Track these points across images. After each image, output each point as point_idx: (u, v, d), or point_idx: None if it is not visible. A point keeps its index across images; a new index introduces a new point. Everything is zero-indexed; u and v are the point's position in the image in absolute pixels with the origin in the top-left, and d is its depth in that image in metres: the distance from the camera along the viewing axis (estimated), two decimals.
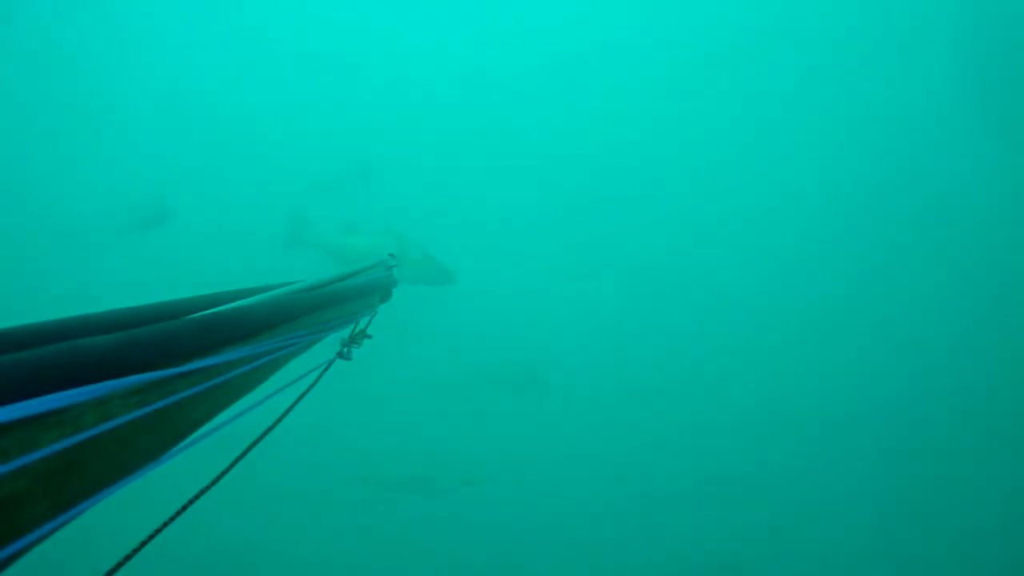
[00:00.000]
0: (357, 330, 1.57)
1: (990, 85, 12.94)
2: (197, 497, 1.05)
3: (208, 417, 0.89)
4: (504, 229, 14.95)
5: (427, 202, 14.35)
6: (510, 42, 17.30)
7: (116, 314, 0.87)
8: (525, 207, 15.11)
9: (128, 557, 0.89)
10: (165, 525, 1.01)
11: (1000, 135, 13.16)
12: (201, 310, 0.93)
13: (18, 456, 0.52)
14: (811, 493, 10.72)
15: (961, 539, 9.78)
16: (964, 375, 11.84)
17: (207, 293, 1.09)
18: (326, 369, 1.40)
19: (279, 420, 1.21)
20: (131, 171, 14.05)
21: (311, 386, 1.31)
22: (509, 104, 16.66)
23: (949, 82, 13.81)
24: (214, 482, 1.10)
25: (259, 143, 15.35)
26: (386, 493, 10.09)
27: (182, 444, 0.81)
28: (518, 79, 16.92)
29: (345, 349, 1.48)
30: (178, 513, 1.02)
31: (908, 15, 14.76)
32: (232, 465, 1.14)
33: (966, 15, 13.35)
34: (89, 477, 0.63)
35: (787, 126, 15.46)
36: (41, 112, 14.51)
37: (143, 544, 0.94)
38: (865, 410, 11.84)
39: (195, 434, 0.85)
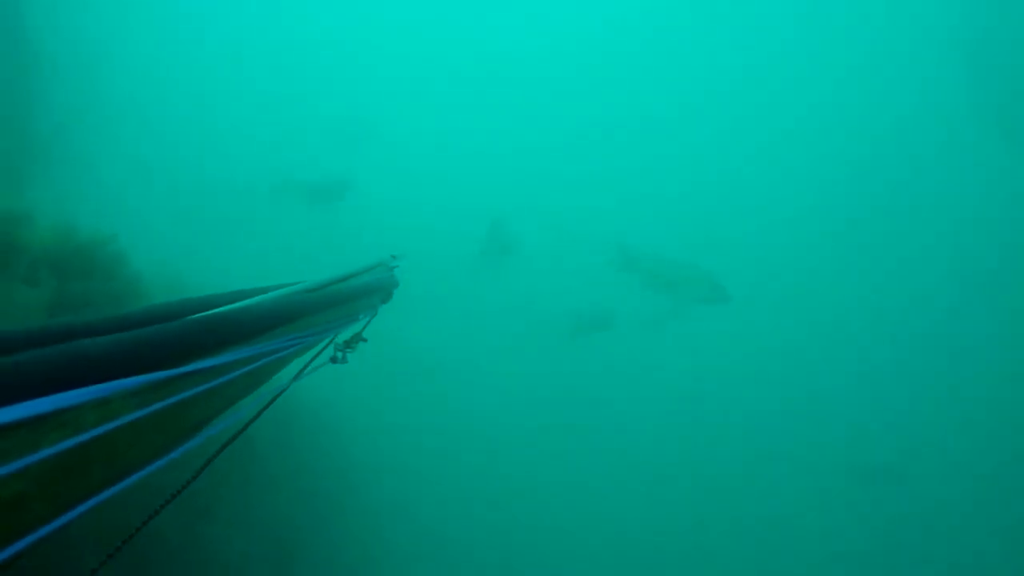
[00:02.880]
0: (354, 333, 1.57)
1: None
2: (181, 490, 1.07)
3: (209, 418, 0.90)
4: None
5: None
6: None
7: (118, 316, 0.88)
8: None
9: (130, 537, 0.91)
10: (157, 512, 1.04)
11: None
12: (202, 311, 0.95)
13: (19, 457, 0.54)
14: None
15: None
16: None
17: (208, 294, 1.10)
18: (305, 367, 1.40)
19: (257, 415, 1.21)
20: None
21: (286, 387, 1.31)
22: None
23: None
24: (197, 474, 1.11)
25: None
26: None
27: (184, 444, 0.82)
28: None
29: (339, 353, 1.48)
30: (167, 502, 1.04)
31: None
32: (214, 456, 1.15)
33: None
34: (90, 477, 0.65)
35: None
36: None
37: (144, 523, 0.96)
38: None
39: (197, 434, 0.86)
